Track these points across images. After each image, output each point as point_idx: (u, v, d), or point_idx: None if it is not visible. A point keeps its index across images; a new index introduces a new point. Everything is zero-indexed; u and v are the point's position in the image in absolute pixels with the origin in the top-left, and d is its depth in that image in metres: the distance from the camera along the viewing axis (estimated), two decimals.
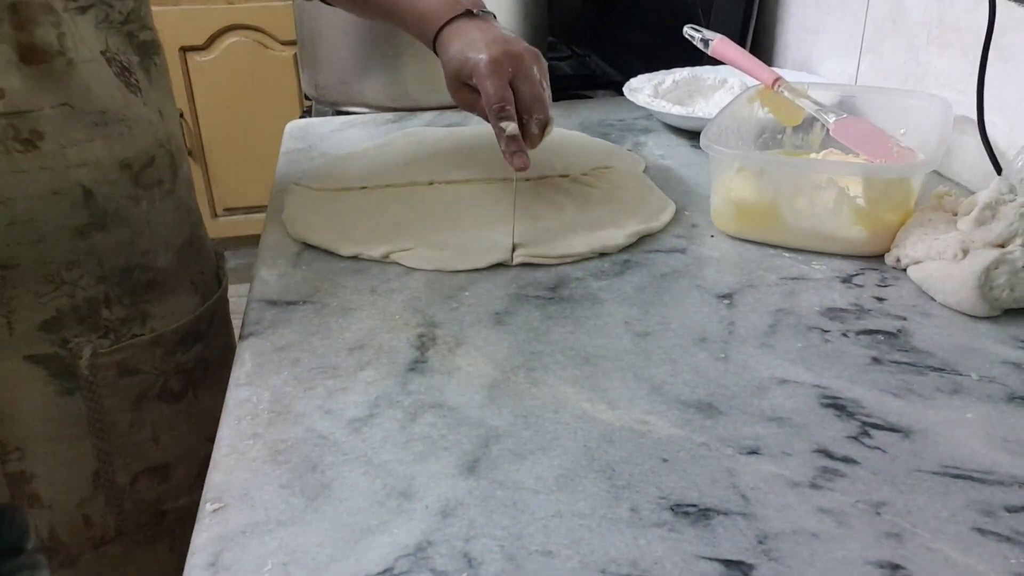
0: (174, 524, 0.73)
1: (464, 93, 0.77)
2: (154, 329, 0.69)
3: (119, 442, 0.68)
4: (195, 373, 0.73)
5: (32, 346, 0.63)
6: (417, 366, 0.58)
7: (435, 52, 0.79)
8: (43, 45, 0.60)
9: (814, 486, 0.47)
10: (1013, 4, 0.76)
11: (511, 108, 0.73)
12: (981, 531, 0.43)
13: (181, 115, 2.41)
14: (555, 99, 1.19)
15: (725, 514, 0.45)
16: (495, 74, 0.72)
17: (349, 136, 1.05)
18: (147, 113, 0.67)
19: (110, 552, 0.69)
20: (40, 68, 0.59)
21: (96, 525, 0.68)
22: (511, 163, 0.73)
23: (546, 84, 0.76)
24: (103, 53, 0.64)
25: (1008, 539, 0.43)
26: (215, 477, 0.49)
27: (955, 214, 0.69)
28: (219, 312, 0.78)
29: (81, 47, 0.62)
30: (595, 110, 1.13)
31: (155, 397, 0.70)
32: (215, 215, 2.58)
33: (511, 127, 0.72)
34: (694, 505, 0.45)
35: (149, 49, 0.69)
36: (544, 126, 0.75)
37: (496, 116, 0.73)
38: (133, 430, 0.69)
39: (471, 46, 0.74)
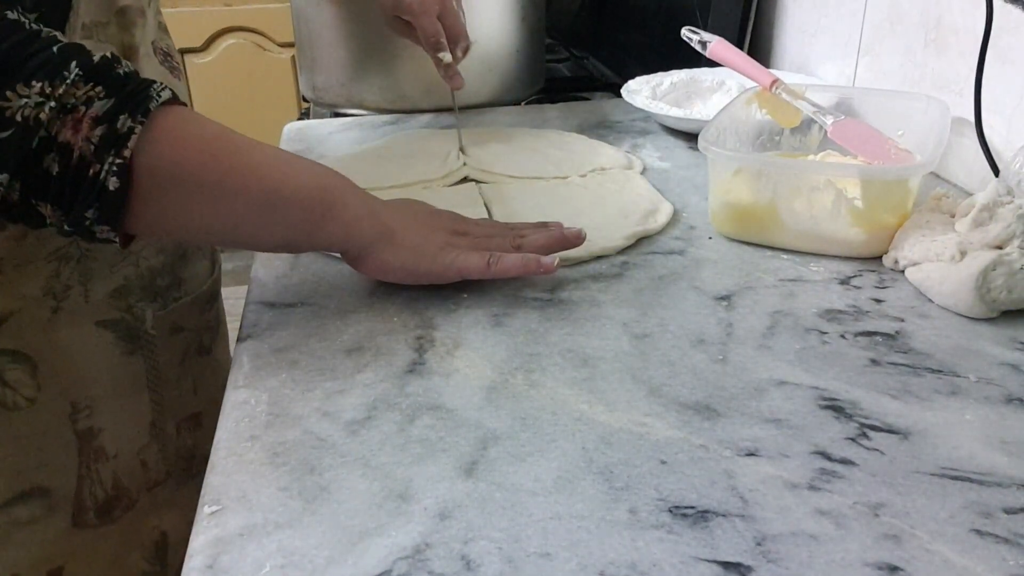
0: (202, 466, 0.79)
1: (397, 24, 0.91)
2: (188, 292, 0.77)
3: (169, 394, 0.75)
4: (215, 329, 0.83)
5: (103, 312, 0.69)
6: (415, 368, 0.58)
7: None
8: (134, 44, 0.67)
9: (812, 488, 0.47)
10: (1010, 6, 0.76)
11: (443, 40, 0.88)
12: (979, 533, 0.43)
13: None
14: (553, 101, 1.21)
15: (723, 516, 0.45)
16: (426, 12, 0.87)
17: (347, 138, 1.05)
18: (185, 97, 0.73)
19: (160, 493, 0.76)
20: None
21: (151, 469, 0.75)
22: (450, 83, 0.90)
23: (462, 12, 0.92)
24: (153, 43, 0.70)
25: (1006, 541, 0.43)
26: (213, 479, 0.49)
27: (953, 216, 0.69)
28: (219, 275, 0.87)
29: (146, 41, 0.69)
30: (593, 112, 1.13)
31: (195, 352, 0.79)
32: None
33: (446, 56, 0.89)
34: (692, 507, 0.45)
35: (165, 30, 0.75)
36: (466, 50, 0.92)
37: (433, 48, 0.88)
38: (180, 383, 0.77)
39: None
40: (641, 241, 0.75)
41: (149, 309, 0.72)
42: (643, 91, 1.07)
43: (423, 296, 0.67)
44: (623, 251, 0.74)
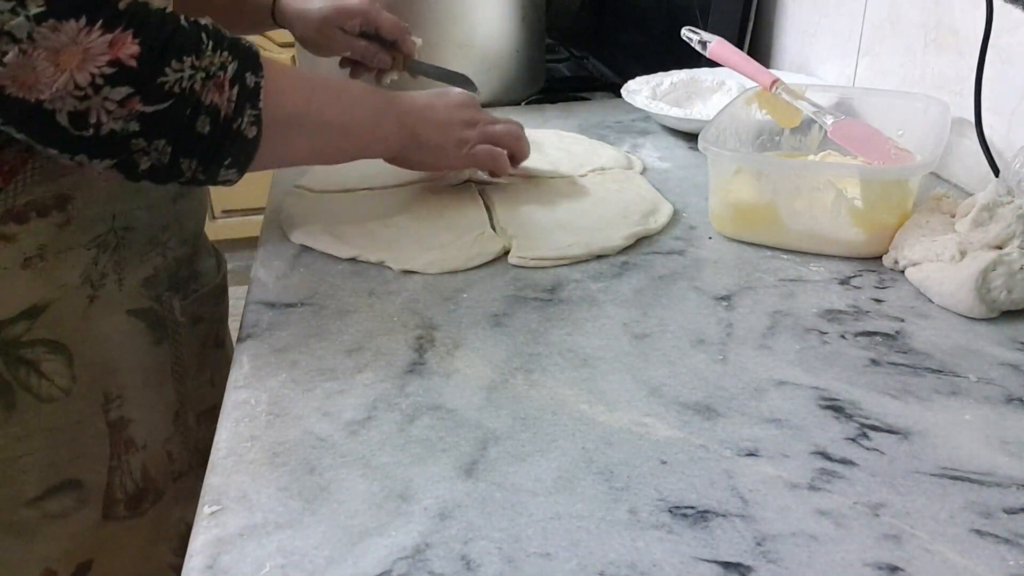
0: None
1: (340, 37, 0.91)
2: (204, 284, 0.79)
3: (191, 385, 0.77)
4: (225, 323, 0.85)
5: (135, 301, 0.70)
6: (415, 368, 0.58)
7: (273, 19, 0.92)
8: None
9: (812, 488, 0.47)
10: (1010, 6, 0.76)
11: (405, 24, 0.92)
12: (979, 533, 0.43)
13: None
14: (553, 101, 1.20)
15: (723, 516, 0.45)
16: (379, 9, 0.90)
17: None
18: None
19: (185, 485, 0.76)
20: None
21: (176, 461, 0.76)
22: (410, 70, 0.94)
23: None
24: None
25: (1006, 541, 0.43)
26: (213, 479, 0.49)
27: (953, 216, 0.69)
28: None
29: None
30: (593, 112, 1.13)
31: (212, 344, 0.81)
32: (213, 216, 2.57)
33: (419, 40, 0.93)
34: (692, 507, 0.45)
35: None
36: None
37: (406, 33, 0.92)
38: (200, 374, 0.78)
39: None
40: (641, 241, 0.75)
41: (175, 298, 0.74)
42: (643, 91, 1.07)
43: (423, 296, 0.67)
44: (623, 251, 0.74)
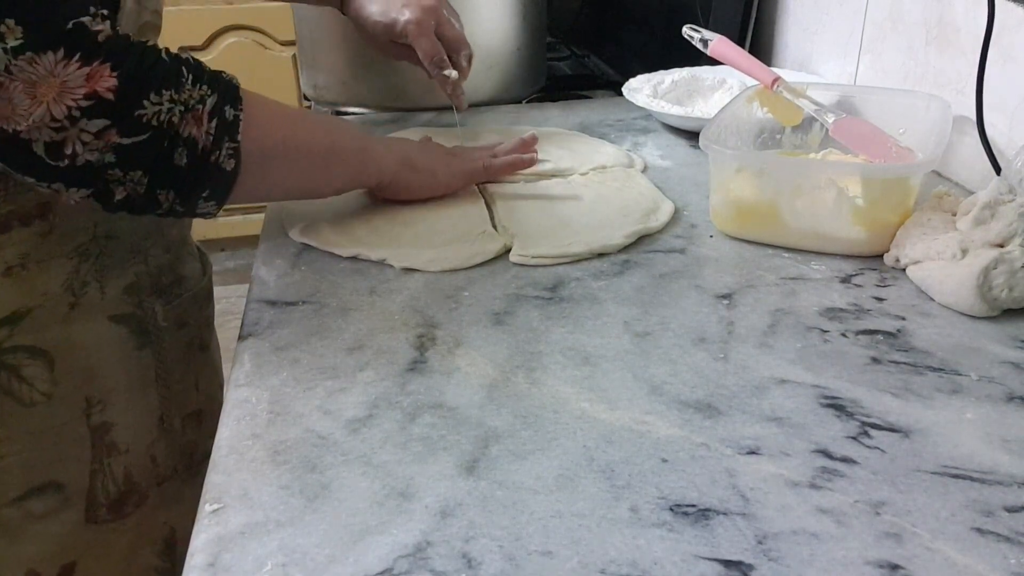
0: (203, 463, 0.81)
1: (395, 48, 0.92)
2: (188, 289, 0.78)
3: (175, 389, 0.77)
4: (211, 328, 0.85)
5: (117, 307, 0.71)
6: (416, 366, 0.58)
7: (342, 11, 0.94)
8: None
9: (813, 486, 0.47)
10: (1012, 4, 0.76)
11: (445, 58, 0.89)
12: (980, 531, 0.43)
13: None
14: (554, 99, 1.20)
15: (724, 514, 0.45)
16: (424, 32, 0.88)
17: None
18: None
19: (169, 488, 0.76)
20: None
21: (160, 464, 0.76)
22: (456, 103, 0.93)
23: (457, 22, 0.92)
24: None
25: (1007, 539, 0.43)
26: (214, 477, 0.49)
27: (954, 214, 0.69)
28: None
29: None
30: (594, 110, 1.13)
31: (197, 348, 0.80)
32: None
33: (453, 74, 0.89)
34: (693, 505, 0.45)
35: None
36: (470, 59, 0.92)
37: (437, 67, 0.89)
38: (184, 378, 0.78)
39: (391, 6, 0.88)
40: (642, 239, 0.75)
41: (158, 304, 0.74)
42: (644, 89, 1.07)
43: (424, 294, 0.67)
44: (624, 249, 0.74)
